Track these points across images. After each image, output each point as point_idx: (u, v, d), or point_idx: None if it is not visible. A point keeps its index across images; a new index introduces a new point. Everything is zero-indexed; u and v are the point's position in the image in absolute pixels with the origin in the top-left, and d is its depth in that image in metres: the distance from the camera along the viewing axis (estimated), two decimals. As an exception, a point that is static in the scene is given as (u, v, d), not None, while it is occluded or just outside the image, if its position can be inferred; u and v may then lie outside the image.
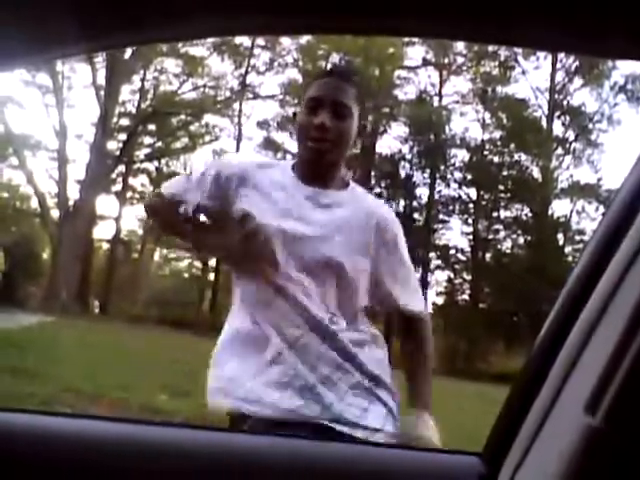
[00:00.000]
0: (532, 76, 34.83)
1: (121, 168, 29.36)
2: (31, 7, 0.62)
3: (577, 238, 27.68)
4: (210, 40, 24.06)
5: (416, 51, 30.83)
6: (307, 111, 1.72)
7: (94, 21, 0.64)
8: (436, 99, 30.43)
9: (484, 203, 29.65)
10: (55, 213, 25.41)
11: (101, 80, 25.96)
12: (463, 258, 29.85)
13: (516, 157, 29.40)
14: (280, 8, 0.61)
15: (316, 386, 1.57)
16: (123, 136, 28.31)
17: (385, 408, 1.65)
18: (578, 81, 28.72)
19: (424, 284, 27.93)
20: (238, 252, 1.68)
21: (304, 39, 26.99)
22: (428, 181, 29.62)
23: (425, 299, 1.91)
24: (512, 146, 29.13)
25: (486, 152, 29.98)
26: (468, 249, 29.57)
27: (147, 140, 30.87)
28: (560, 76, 29.07)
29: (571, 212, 28.17)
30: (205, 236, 1.79)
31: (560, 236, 28.25)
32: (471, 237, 29.43)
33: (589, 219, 27.72)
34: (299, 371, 1.58)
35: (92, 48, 0.72)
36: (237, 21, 0.65)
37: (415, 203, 29.46)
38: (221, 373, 1.67)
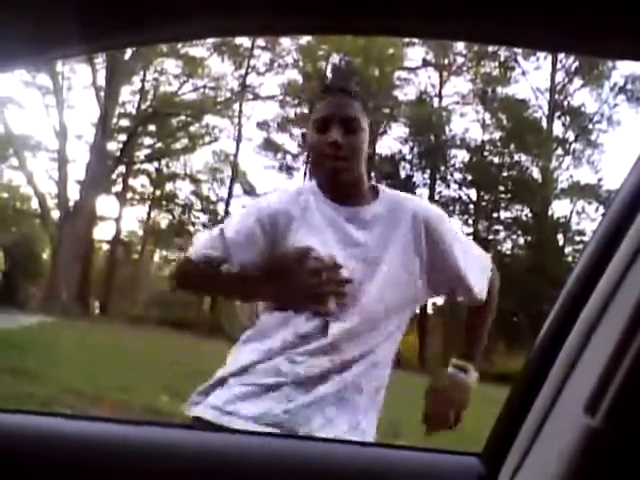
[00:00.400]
0: (532, 77, 34.95)
1: (121, 169, 29.38)
2: (31, 7, 0.62)
3: (577, 238, 27.70)
4: (210, 41, 24.08)
5: (416, 52, 30.87)
6: (317, 131, 1.72)
7: (94, 21, 0.64)
8: (436, 100, 30.46)
9: (484, 204, 29.67)
10: (55, 214, 25.44)
11: (101, 81, 25.99)
12: (463, 258, 29.82)
13: (516, 158, 29.43)
14: (280, 8, 0.61)
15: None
16: (123, 137, 28.33)
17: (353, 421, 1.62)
18: (578, 82, 28.77)
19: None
20: (303, 291, 1.62)
21: (304, 40, 27.02)
22: (428, 182, 29.65)
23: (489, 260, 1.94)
24: (512, 147, 29.14)
25: (486, 153, 30.00)
26: (468, 249, 29.54)
27: (147, 141, 30.91)
28: (560, 76, 29.13)
29: (571, 212, 28.22)
30: (258, 285, 1.69)
31: (560, 236, 28.27)
32: (471, 237, 29.38)
33: (589, 219, 27.76)
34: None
35: (92, 49, 0.72)
36: (237, 21, 0.65)
37: (415, 204, 29.46)
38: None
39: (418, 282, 1.72)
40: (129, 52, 24.58)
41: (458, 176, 29.82)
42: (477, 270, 1.80)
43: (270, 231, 1.69)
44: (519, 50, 25.50)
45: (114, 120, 27.26)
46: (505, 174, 29.50)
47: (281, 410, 1.55)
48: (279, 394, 1.57)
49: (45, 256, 27.51)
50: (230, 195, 30.13)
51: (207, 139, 30.67)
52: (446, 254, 1.74)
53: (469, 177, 29.60)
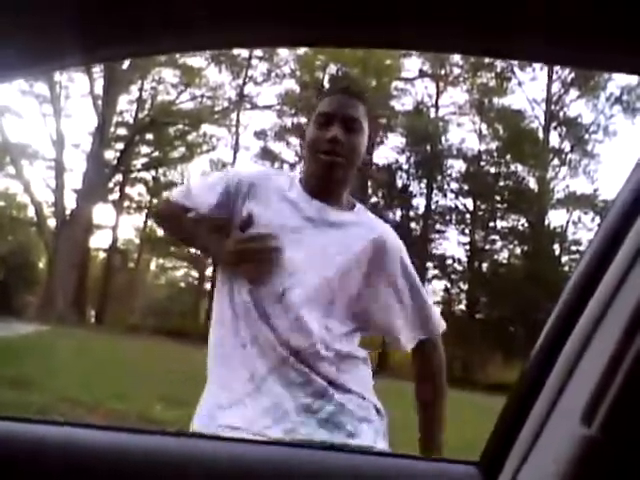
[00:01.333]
0: (528, 87, 35.07)
1: (118, 177, 29.40)
2: (30, 19, 0.62)
3: (573, 248, 27.73)
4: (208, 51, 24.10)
5: (413, 62, 30.92)
6: (318, 126, 1.73)
7: (93, 33, 0.65)
8: (433, 110, 30.55)
9: (481, 213, 29.70)
10: (52, 222, 25.43)
11: (99, 90, 26.07)
12: (460, 268, 29.86)
13: (512, 168, 29.50)
14: (280, 21, 0.62)
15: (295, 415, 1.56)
16: (120, 145, 28.37)
17: (373, 426, 1.64)
18: (574, 92, 28.89)
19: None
20: (240, 254, 1.65)
21: (301, 50, 27.10)
22: (425, 191, 29.68)
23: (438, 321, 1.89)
24: (508, 157, 29.22)
25: (483, 163, 30.06)
26: (465, 259, 29.59)
27: (144, 149, 30.94)
28: (556, 87, 29.25)
29: (567, 222, 28.26)
30: (209, 240, 1.78)
31: (556, 246, 28.30)
32: (468, 247, 29.46)
33: (585, 229, 27.79)
34: (280, 399, 1.57)
35: (91, 60, 0.72)
36: (236, 34, 0.65)
37: (412, 213, 29.53)
38: (207, 399, 1.67)
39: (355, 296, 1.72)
40: (127, 61, 24.63)
41: (455, 186, 29.89)
42: (415, 321, 1.79)
43: (232, 195, 1.74)
44: (515, 61, 25.62)
45: (111, 129, 27.31)
46: (501, 184, 29.56)
47: None
48: None
49: (41, 264, 27.49)
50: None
51: (204, 148, 30.75)
52: (409, 290, 1.76)
53: (466, 187, 29.65)
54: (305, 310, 1.61)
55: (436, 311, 1.85)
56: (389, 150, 30.97)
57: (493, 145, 30.19)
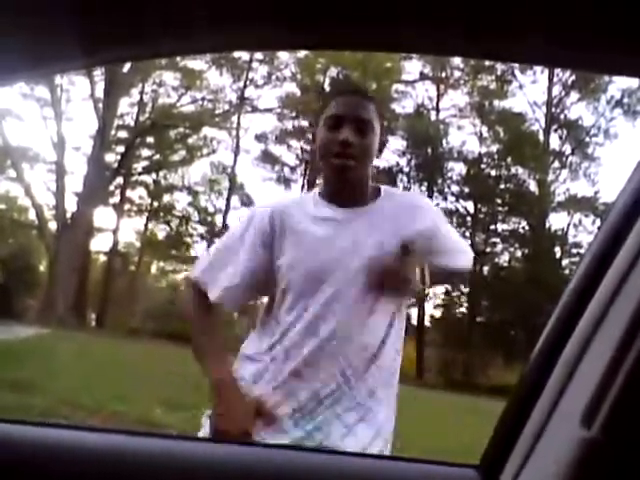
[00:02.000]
0: (529, 90, 35.07)
1: (119, 180, 29.40)
2: (31, 23, 0.62)
3: (574, 251, 27.71)
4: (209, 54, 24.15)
5: (413, 65, 30.99)
6: (328, 128, 1.71)
7: (94, 37, 0.65)
8: (433, 113, 30.57)
9: (481, 216, 29.70)
10: (53, 225, 25.41)
11: (99, 93, 26.07)
12: (460, 271, 29.82)
13: (513, 170, 29.50)
14: (280, 25, 0.62)
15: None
16: (121, 148, 28.39)
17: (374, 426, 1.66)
18: (575, 95, 28.91)
19: (422, 297, 27.87)
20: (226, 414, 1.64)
21: (302, 53, 27.11)
22: (425, 194, 29.67)
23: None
24: (509, 159, 29.21)
25: (483, 165, 30.06)
26: (466, 262, 29.55)
27: (145, 152, 30.92)
28: (557, 90, 29.27)
29: (568, 225, 28.25)
30: (210, 364, 1.73)
31: (557, 249, 28.29)
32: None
33: (586, 232, 27.78)
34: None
35: (91, 63, 0.72)
36: (236, 37, 0.66)
37: (412, 216, 29.48)
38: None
39: None
40: (128, 64, 24.66)
41: (455, 189, 29.91)
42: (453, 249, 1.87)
43: (267, 239, 1.72)
44: (516, 64, 25.64)
45: (112, 132, 27.32)
46: (502, 187, 29.56)
47: None
48: None
49: (42, 267, 27.47)
50: (228, 207, 30.16)
51: (205, 151, 30.74)
52: (443, 239, 1.83)
53: (466, 190, 29.65)
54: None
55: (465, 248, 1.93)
56: (390, 153, 30.91)
57: (494, 148, 30.21)
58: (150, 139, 29.87)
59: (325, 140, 1.71)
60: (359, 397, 1.63)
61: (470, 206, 29.63)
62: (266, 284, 1.72)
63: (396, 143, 30.54)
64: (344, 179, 1.72)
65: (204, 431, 1.65)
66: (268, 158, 30.71)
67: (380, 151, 1.79)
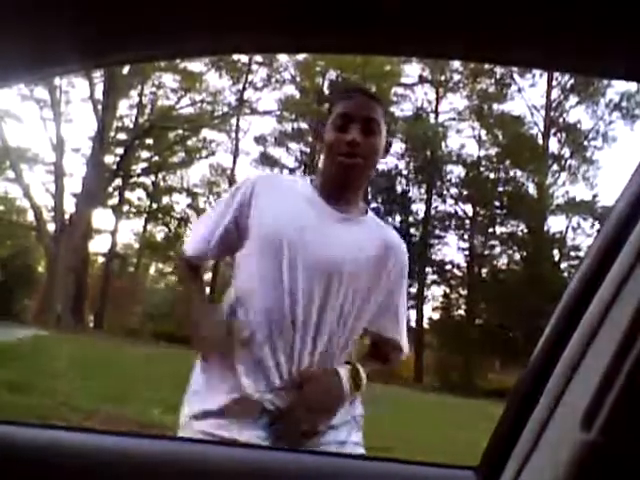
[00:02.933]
0: (528, 93, 35.12)
1: (118, 182, 29.41)
2: (29, 26, 0.62)
3: (573, 254, 27.75)
4: (208, 55, 24.15)
5: (413, 68, 30.99)
6: (336, 128, 1.71)
7: (93, 40, 0.65)
8: (432, 116, 30.61)
9: (480, 219, 29.73)
10: (51, 226, 25.38)
11: (99, 94, 26.06)
12: (459, 273, 29.89)
13: (512, 173, 29.56)
14: (278, 28, 0.62)
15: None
16: (120, 150, 28.39)
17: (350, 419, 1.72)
18: (574, 99, 28.95)
19: (420, 299, 27.92)
20: (211, 340, 1.72)
21: (301, 56, 27.14)
22: (424, 197, 29.73)
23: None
24: (508, 163, 29.27)
25: (482, 168, 30.11)
26: (464, 264, 29.63)
27: (144, 154, 30.96)
28: (556, 93, 29.32)
29: (567, 228, 28.29)
30: (196, 309, 1.82)
31: (556, 252, 28.31)
32: (467, 252, 29.48)
33: (584, 235, 27.82)
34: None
35: (90, 65, 0.73)
36: (235, 40, 0.66)
37: (411, 219, 29.55)
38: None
39: (368, 309, 1.77)
40: (127, 66, 24.67)
41: (454, 191, 29.95)
42: (401, 318, 1.88)
43: (240, 201, 1.75)
44: (515, 67, 25.67)
45: (111, 133, 27.30)
46: (501, 190, 29.60)
47: None
48: None
49: (40, 269, 27.43)
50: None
51: (204, 153, 30.79)
52: (397, 296, 1.84)
53: (465, 192, 29.70)
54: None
55: (404, 335, 1.93)
56: (389, 156, 30.93)
57: (492, 151, 30.26)
58: (149, 141, 29.90)
59: (333, 139, 1.71)
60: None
61: (469, 209, 29.70)
62: (236, 240, 1.75)
63: (395, 146, 30.61)
64: (349, 178, 1.73)
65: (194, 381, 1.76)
66: (267, 160, 30.75)
67: (386, 151, 1.82)
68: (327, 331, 1.67)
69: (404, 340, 1.89)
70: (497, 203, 29.51)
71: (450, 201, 29.85)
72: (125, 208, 31.02)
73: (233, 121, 30.05)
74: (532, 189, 29.05)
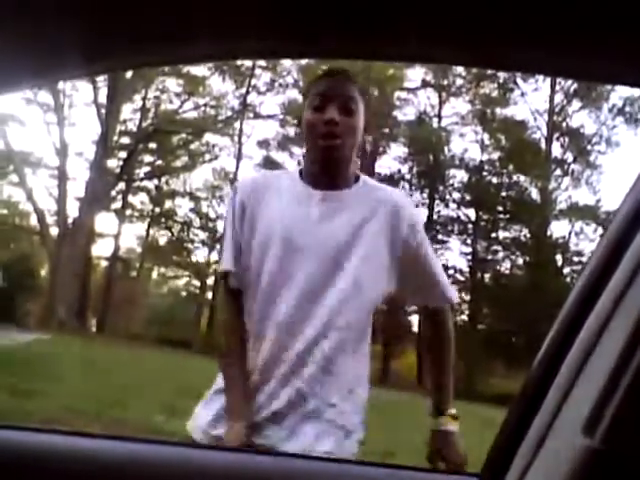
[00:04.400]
0: (531, 98, 35.02)
1: (121, 186, 29.41)
2: (34, 31, 0.63)
3: (576, 259, 27.66)
4: (211, 60, 24.18)
5: (416, 73, 30.97)
6: (314, 109, 1.70)
7: (96, 45, 0.65)
8: (435, 120, 30.59)
9: (483, 224, 29.67)
10: (54, 230, 25.41)
11: (102, 98, 26.11)
12: (462, 278, 29.81)
13: (515, 178, 29.49)
14: (281, 34, 0.62)
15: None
16: (123, 154, 28.42)
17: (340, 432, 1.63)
18: (577, 103, 28.90)
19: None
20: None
21: (304, 60, 27.19)
22: (427, 201, 29.68)
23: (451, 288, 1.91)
24: (511, 167, 29.21)
25: (485, 173, 30.06)
26: (467, 269, 29.56)
27: (147, 158, 31.00)
28: (559, 98, 29.28)
29: (570, 233, 28.22)
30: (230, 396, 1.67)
31: (559, 257, 28.25)
32: (470, 257, 29.42)
33: (588, 240, 27.74)
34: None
35: (94, 71, 0.73)
36: (237, 46, 0.66)
37: (414, 223, 29.45)
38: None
39: (384, 275, 1.70)
40: (130, 71, 24.70)
41: (457, 196, 29.90)
42: (430, 276, 1.81)
43: (245, 213, 1.73)
44: (518, 72, 25.67)
45: (115, 138, 27.34)
46: (504, 194, 29.55)
47: None
48: None
49: (43, 273, 27.45)
50: (229, 213, 30.12)
51: (207, 157, 30.80)
52: (423, 258, 1.76)
53: (468, 197, 29.65)
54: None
55: (447, 282, 1.85)
56: (391, 160, 30.96)
57: (495, 155, 30.21)
58: (152, 145, 29.94)
59: (311, 120, 1.70)
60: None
61: (472, 213, 29.64)
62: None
63: (398, 150, 30.63)
64: (330, 159, 1.70)
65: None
66: (270, 164, 30.72)
67: (365, 131, 1.77)
68: (341, 310, 1.62)
69: (449, 294, 1.84)
70: (500, 208, 29.46)
71: (453, 206, 29.81)
72: (128, 212, 31.03)
73: (236, 125, 30.08)
74: (535, 194, 29.02)
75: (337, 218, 1.67)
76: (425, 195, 29.88)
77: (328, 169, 1.72)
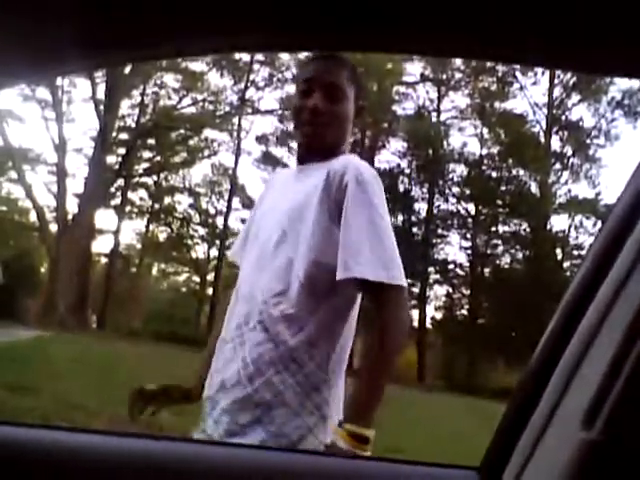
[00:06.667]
0: (530, 92, 34.95)
1: (120, 182, 29.42)
2: (33, 27, 0.62)
3: (575, 253, 27.71)
4: (210, 55, 24.18)
5: (415, 67, 31.00)
6: (300, 94, 1.66)
7: (94, 40, 0.65)
8: (434, 114, 30.59)
9: (482, 218, 29.70)
10: (54, 227, 25.42)
11: (101, 94, 26.08)
12: (462, 273, 29.87)
13: (514, 172, 29.51)
14: (280, 26, 0.62)
15: None
16: (122, 150, 28.41)
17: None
18: (576, 96, 28.89)
19: (422, 299, 27.91)
20: None
21: (303, 54, 27.11)
22: (427, 196, 29.71)
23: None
24: (510, 161, 29.23)
25: (484, 167, 30.08)
26: (467, 264, 29.61)
27: (146, 154, 30.98)
28: (558, 91, 29.28)
29: (569, 227, 28.26)
30: None
31: (558, 251, 28.28)
32: (470, 252, 29.46)
33: (587, 234, 27.77)
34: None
35: (92, 65, 0.73)
36: (237, 38, 0.66)
37: (414, 218, 29.52)
38: None
39: (327, 240, 1.51)
40: (129, 66, 24.67)
41: (456, 190, 29.92)
42: (376, 247, 1.46)
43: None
44: (517, 65, 25.64)
45: (113, 134, 27.32)
46: (503, 188, 29.56)
47: None
48: None
49: (43, 269, 27.48)
50: (229, 208, 30.20)
51: (206, 152, 30.80)
52: (348, 220, 1.49)
53: (467, 191, 29.66)
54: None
55: (398, 259, 1.47)
56: (391, 154, 30.98)
57: (495, 149, 30.24)
58: (151, 141, 29.93)
59: (298, 105, 1.66)
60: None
61: (471, 208, 29.67)
62: None
63: (397, 144, 30.63)
64: (314, 146, 1.66)
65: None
66: (269, 160, 30.72)
67: (357, 116, 1.70)
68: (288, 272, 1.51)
69: (391, 273, 1.44)
70: (499, 202, 29.48)
71: (452, 200, 29.85)
72: (127, 208, 31.03)
73: (235, 120, 30.07)
74: (534, 187, 29.04)
75: (299, 185, 1.63)
76: (425, 189, 29.90)
77: (311, 156, 1.68)
